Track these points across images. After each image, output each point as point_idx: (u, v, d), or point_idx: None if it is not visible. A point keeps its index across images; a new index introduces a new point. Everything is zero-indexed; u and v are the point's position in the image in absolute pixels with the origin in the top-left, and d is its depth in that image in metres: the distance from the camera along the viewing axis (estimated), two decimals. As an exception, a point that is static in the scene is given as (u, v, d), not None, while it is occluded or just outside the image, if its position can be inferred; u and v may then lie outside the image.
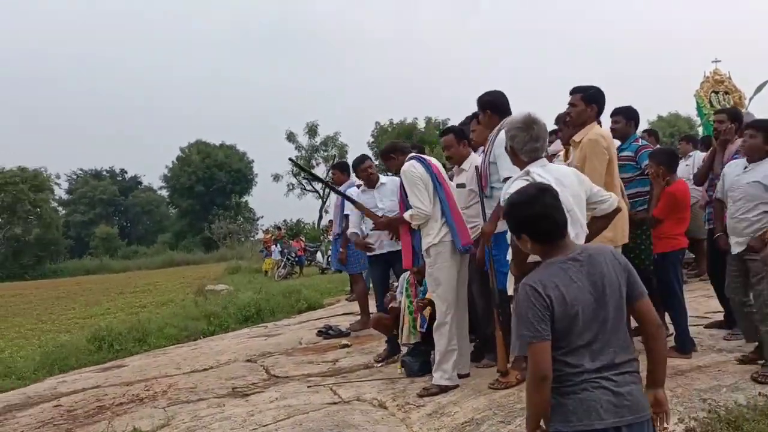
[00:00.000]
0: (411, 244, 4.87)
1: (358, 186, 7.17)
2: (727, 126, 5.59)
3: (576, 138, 4.17)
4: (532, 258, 3.07)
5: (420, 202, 4.58)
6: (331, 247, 16.71)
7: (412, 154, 4.94)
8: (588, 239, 3.29)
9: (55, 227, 47.87)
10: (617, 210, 3.44)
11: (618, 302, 2.24)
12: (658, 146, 6.46)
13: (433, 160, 4.84)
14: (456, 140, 5.06)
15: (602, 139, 4.12)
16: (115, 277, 32.46)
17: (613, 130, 5.06)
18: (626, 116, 5.15)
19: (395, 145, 5.41)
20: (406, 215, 4.71)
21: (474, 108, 4.95)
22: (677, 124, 41.59)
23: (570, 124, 4.30)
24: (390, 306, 5.69)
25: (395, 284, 6.16)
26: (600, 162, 4.02)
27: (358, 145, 60.26)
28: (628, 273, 2.27)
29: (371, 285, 10.32)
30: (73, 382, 6.66)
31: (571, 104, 4.23)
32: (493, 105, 4.64)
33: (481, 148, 4.96)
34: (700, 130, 10.48)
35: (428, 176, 4.65)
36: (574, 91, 4.24)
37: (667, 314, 4.79)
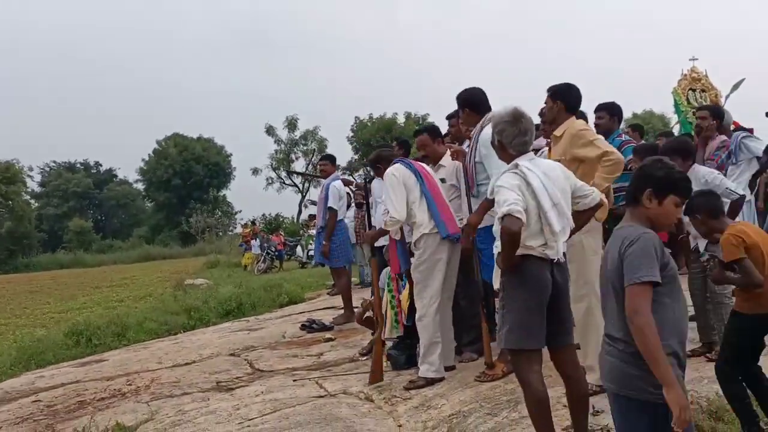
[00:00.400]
0: (396, 250, 4.96)
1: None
2: (709, 123, 5.73)
3: (556, 133, 4.18)
4: (521, 251, 3.10)
5: (393, 207, 4.62)
6: (312, 241, 16.70)
7: (397, 158, 4.95)
8: (573, 232, 3.34)
9: (28, 220, 46.90)
10: (599, 204, 3.48)
11: (607, 280, 2.45)
12: (642, 142, 6.55)
13: (417, 163, 4.90)
14: (431, 139, 5.11)
15: (589, 128, 4.19)
16: (90, 271, 31.95)
17: (596, 125, 5.12)
18: (610, 112, 5.22)
19: (380, 155, 5.37)
20: (384, 222, 4.79)
21: (453, 106, 4.97)
22: (651, 121, 42.06)
23: (545, 121, 4.34)
24: (366, 316, 5.68)
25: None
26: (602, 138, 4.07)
27: (337, 139, 60.14)
28: (620, 262, 2.37)
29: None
30: (51, 377, 6.57)
31: (545, 103, 4.26)
32: (471, 102, 4.66)
33: (467, 142, 4.99)
34: (677, 127, 10.61)
35: (410, 174, 4.70)
36: (547, 92, 4.25)
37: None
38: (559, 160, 4.07)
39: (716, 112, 5.95)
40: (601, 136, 4.08)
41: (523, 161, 3.21)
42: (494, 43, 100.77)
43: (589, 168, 3.96)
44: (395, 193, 4.63)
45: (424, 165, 4.88)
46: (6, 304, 16.30)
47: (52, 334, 8.93)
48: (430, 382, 4.58)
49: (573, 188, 3.31)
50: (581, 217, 3.41)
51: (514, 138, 3.25)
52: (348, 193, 8.98)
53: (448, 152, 5.10)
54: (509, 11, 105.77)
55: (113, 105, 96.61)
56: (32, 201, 54.77)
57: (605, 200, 3.97)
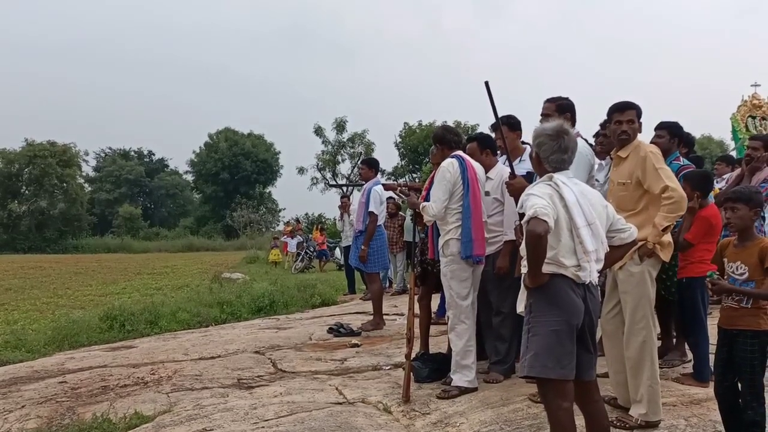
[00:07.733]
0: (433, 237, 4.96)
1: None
2: (760, 153, 5.54)
3: (622, 154, 3.93)
4: (552, 269, 2.93)
5: (437, 201, 4.59)
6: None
7: (456, 152, 4.80)
8: (604, 268, 3.17)
9: (80, 203, 48.38)
10: (635, 242, 3.33)
11: None
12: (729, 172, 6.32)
13: (474, 163, 4.76)
14: (479, 149, 5.00)
15: (659, 152, 3.94)
16: (135, 257, 32.72)
17: (654, 144, 4.86)
18: (671, 132, 4.94)
19: (445, 135, 5.02)
20: (422, 205, 4.74)
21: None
22: (709, 146, 40.94)
23: (625, 142, 3.93)
24: None
25: None
26: (668, 170, 3.84)
27: (385, 144, 60.26)
28: None
29: (386, 285, 10.25)
30: (81, 359, 6.65)
31: (627, 121, 3.91)
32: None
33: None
34: (734, 153, 10.21)
35: (460, 178, 4.60)
36: (628, 108, 3.93)
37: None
38: (623, 184, 3.86)
39: None
40: (668, 167, 3.83)
41: (559, 176, 3.07)
42: (539, 54, 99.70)
43: (653, 200, 3.76)
44: (442, 189, 4.60)
45: (477, 172, 4.72)
46: (50, 284, 16.75)
47: (88, 317, 9.07)
48: (464, 391, 4.49)
49: (612, 221, 3.16)
50: (615, 254, 3.24)
51: (553, 153, 3.10)
52: (388, 199, 8.91)
53: (497, 165, 4.98)
54: (556, 25, 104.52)
55: (169, 97, 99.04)
56: (86, 185, 56.45)
57: (659, 239, 3.75)
